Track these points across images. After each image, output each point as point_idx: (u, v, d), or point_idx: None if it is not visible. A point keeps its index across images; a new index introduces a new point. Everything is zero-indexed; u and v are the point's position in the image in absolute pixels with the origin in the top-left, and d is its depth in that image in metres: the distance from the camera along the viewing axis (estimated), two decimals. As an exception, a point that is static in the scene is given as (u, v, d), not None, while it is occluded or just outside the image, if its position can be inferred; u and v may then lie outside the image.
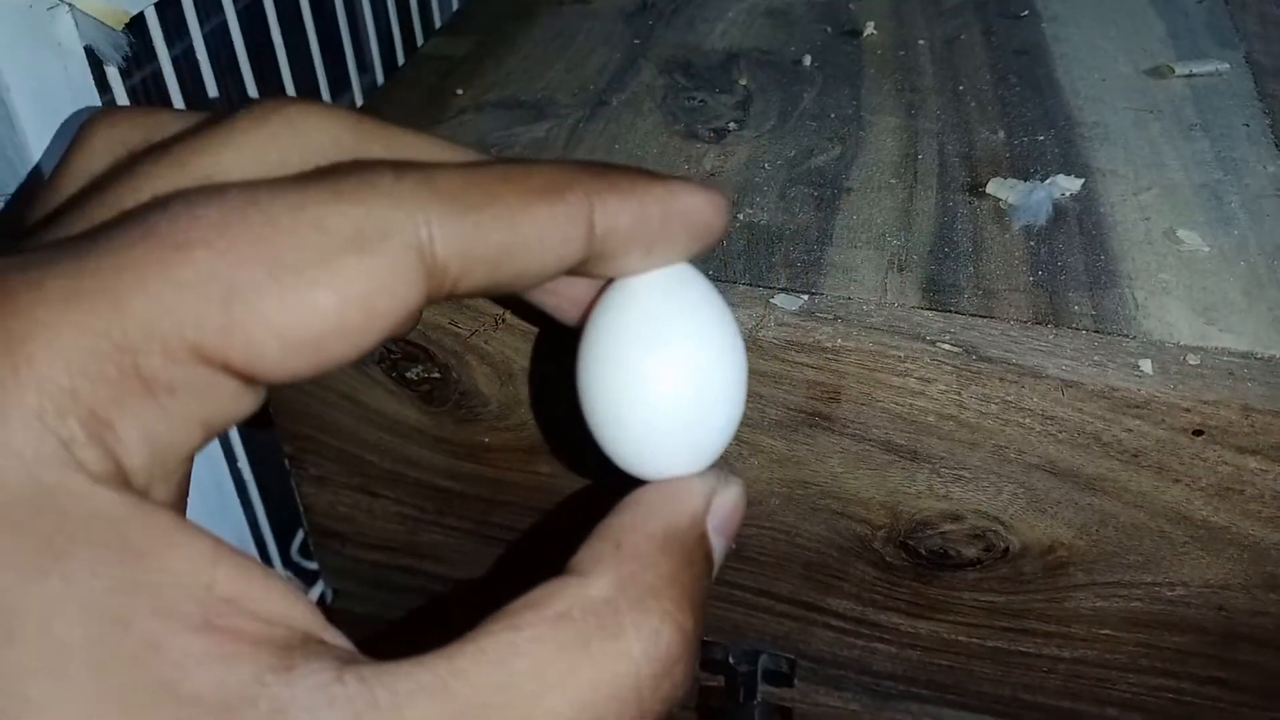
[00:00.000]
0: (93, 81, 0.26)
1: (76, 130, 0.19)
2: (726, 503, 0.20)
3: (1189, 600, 0.31)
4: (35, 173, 0.26)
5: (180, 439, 0.15)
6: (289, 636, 0.14)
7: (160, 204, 0.15)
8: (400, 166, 0.16)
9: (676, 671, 0.16)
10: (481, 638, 0.15)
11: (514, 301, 0.23)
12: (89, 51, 0.26)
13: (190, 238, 0.15)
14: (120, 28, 0.25)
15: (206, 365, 0.15)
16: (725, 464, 0.21)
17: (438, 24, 0.50)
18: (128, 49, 0.25)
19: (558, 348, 0.31)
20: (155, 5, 0.29)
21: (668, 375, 0.19)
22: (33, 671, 0.13)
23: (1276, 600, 0.30)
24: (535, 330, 0.31)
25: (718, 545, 0.19)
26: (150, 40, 0.31)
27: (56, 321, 0.14)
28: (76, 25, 0.25)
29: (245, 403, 0.16)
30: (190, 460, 0.16)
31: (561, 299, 0.21)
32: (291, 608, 0.15)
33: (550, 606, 0.16)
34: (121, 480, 0.14)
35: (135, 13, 0.26)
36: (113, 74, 0.29)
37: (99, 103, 0.27)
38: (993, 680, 0.36)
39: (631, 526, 0.18)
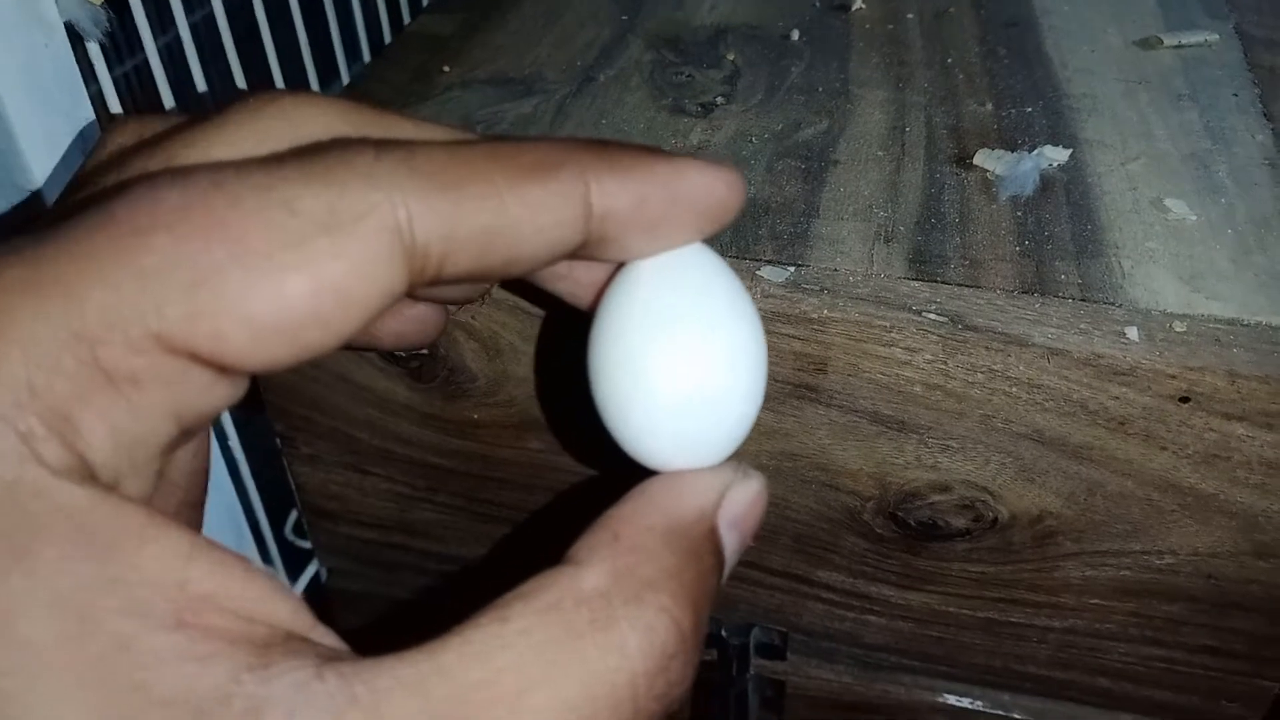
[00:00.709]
0: (73, 58, 0.26)
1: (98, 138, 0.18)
2: (743, 497, 0.19)
3: (1178, 568, 0.31)
4: (13, 147, 0.26)
5: (149, 431, 0.15)
6: (268, 634, 0.14)
7: (123, 190, 0.15)
8: (382, 145, 0.16)
9: (673, 668, 0.16)
10: (468, 630, 0.15)
11: (524, 286, 0.22)
12: (69, 28, 0.26)
13: (151, 223, 0.14)
14: (99, 2, 0.24)
15: (172, 355, 0.14)
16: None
17: (424, 3, 0.50)
18: (107, 25, 0.25)
19: (565, 330, 0.31)
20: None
21: (676, 363, 0.18)
22: (5, 669, 0.13)
23: (1265, 567, 0.30)
24: (522, 304, 0.31)
25: (730, 541, 0.18)
26: (136, 29, 0.31)
27: (11, 312, 0.13)
28: (57, 4, 0.25)
29: (221, 393, 0.15)
30: (165, 453, 0.15)
31: (572, 283, 0.20)
32: (273, 604, 0.14)
33: (540, 598, 0.15)
34: (86, 474, 0.14)
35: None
36: (95, 53, 0.29)
37: (80, 79, 0.27)
38: (984, 651, 0.36)
39: (632, 517, 0.17)
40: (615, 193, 0.17)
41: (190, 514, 0.20)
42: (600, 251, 0.18)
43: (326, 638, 0.15)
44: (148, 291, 0.14)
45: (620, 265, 0.19)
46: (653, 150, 0.18)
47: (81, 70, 0.26)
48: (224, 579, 0.14)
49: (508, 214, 0.16)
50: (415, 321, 0.22)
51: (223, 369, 0.15)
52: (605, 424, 0.19)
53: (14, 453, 0.13)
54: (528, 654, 0.15)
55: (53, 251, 0.14)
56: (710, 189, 0.18)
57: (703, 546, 0.17)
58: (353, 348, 0.23)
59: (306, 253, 0.14)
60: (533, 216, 0.16)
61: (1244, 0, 0.43)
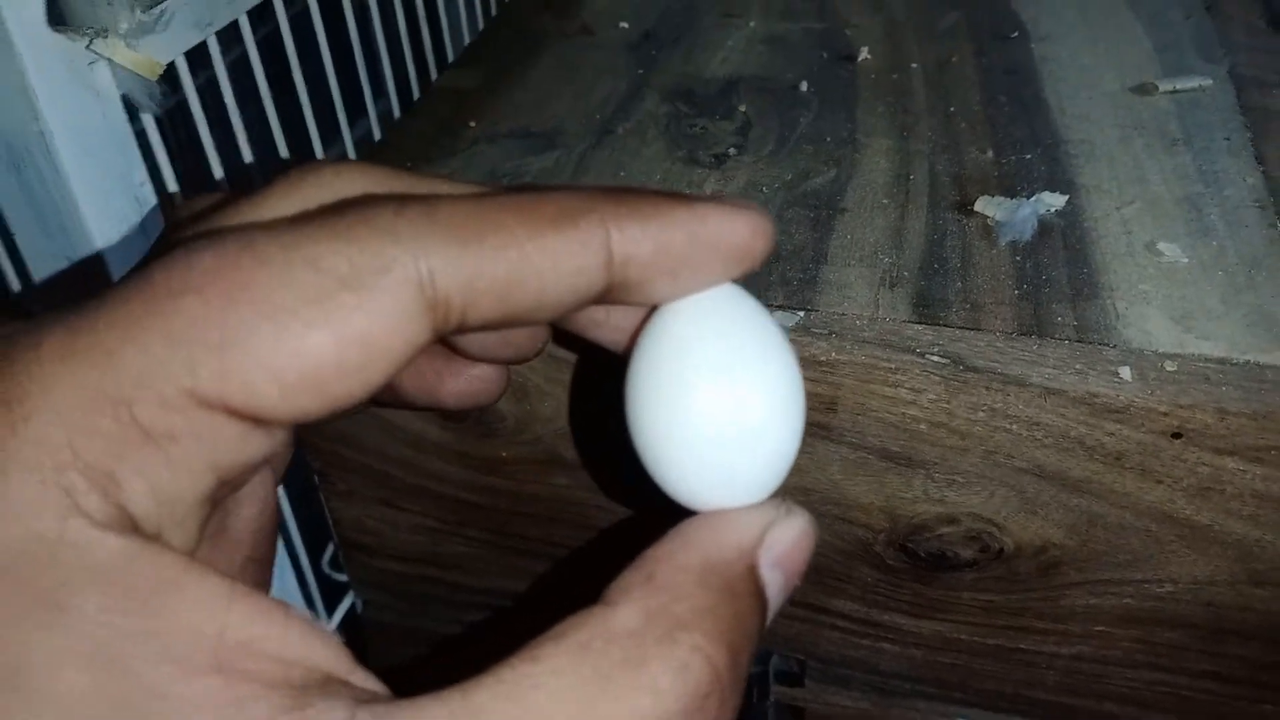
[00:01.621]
0: (130, 128, 0.28)
1: None
2: (786, 536, 0.18)
3: (1178, 596, 0.32)
4: (75, 214, 0.28)
5: (188, 484, 0.15)
6: (306, 676, 0.14)
7: (162, 257, 0.15)
8: (404, 201, 0.16)
9: (709, 708, 0.16)
10: (501, 670, 0.15)
11: (560, 332, 0.23)
12: (125, 100, 0.28)
13: (184, 286, 0.15)
14: (155, 78, 0.27)
15: (206, 410, 0.15)
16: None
17: (450, 56, 0.52)
18: (161, 97, 0.27)
19: (596, 374, 0.33)
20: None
21: (711, 401, 0.18)
22: (42, 717, 0.13)
23: (1261, 595, 0.32)
24: (558, 350, 0.33)
25: (773, 580, 0.18)
26: (175, 69, 0.33)
27: (51, 379, 0.14)
28: (114, 76, 0.27)
29: (256, 444, 0.16)
30: (208, 504, 0.16)
31: (609, 329, 0.21)
32: (311, 647, 0.15)
33: (572, 637, 0.15)
34: (128, 526, 0.14)
35: (167, 63, 0.28)
36: (147, 118, 0.31)
37: (135, 147, 0.29)
38: (995, 677, 0.37)
39: (667, 556, 0.17)
40: (636, 239, 0.17)
41: (256, 570, 0.21)
42: (626, 296, 0.18)
43: (366, 680, 0.15)
44: (180, 352, 0.14)
45: (653, 308, 0.19)
46: (673, 196, 0.18)
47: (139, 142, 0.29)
48: (263, 624, 0.14)
49: (529, 263, 0.16)
50: (477, 381, 0.23)
51: (256, 421, 0.15)
52: (644, 464, 0.19)
53: (58, 507, 0.14)
54: (560, 694, 0.15)
55: (91, 318, 0.15)
56: (733, 232, 0.18)
57: (741, 586, 0.17)
58: (416, 407, 0.24)
59: (329, 308, 0.15)
60: (554, 265, 0.16)
61: (1238, 42, 0.45)
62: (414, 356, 0.16)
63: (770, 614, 0.18)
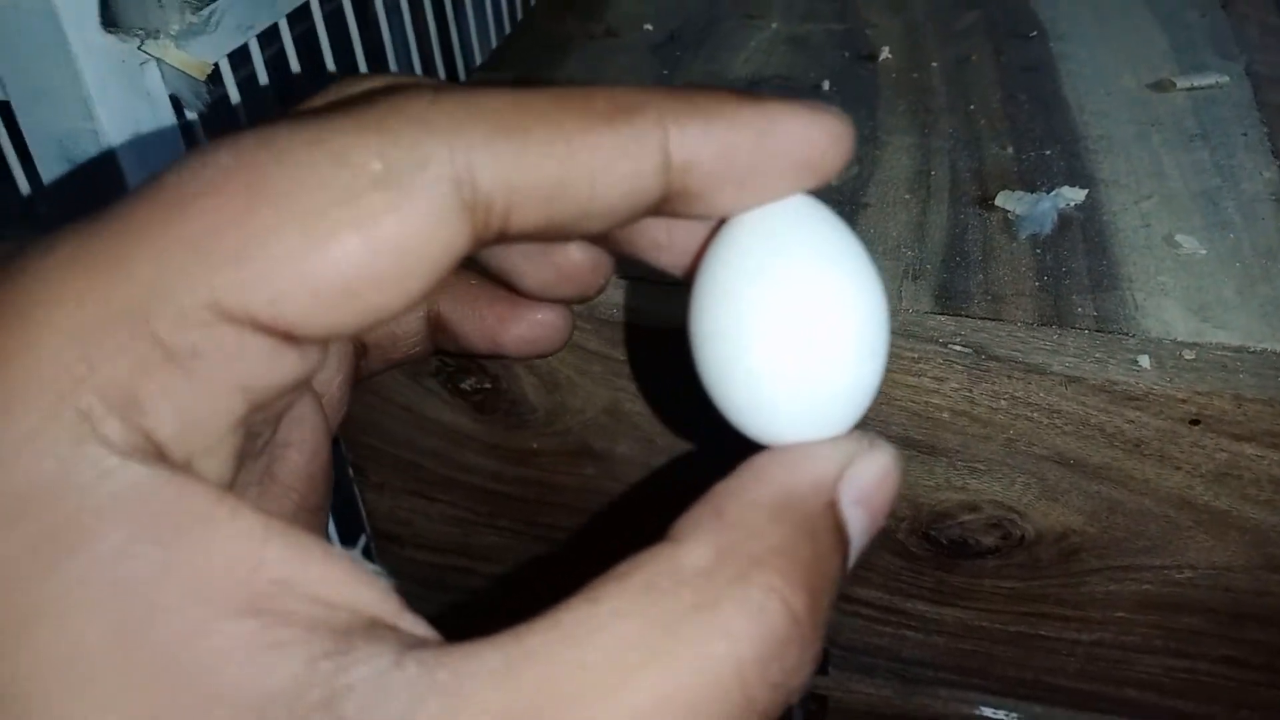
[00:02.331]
0: (177, 124, 0.29)
1: None
2: (870, 471, 0.17)
3: (1196, 582, 0.33)
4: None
5: (216, 407, 0.14)
6: (350, 620, 0.13)
7: (176, 159, 0.14)
8: (440, 88, 0.15)
9: (788, 655, 0.14)
10: (559, 612, 0.14)
11: (615, 256, 0.21)
12: (173, 99, 0.29)
13: (198, 187, 0.13)
14: (203, 77, 0.28)
15: (231, 324, 0.13)
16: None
17: (478, 58, 0.53)
18: (207, 96, 0.28)
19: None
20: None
21: (782, 324, 0.16)
22: (52, 674, 0.12)
23: (1279, 581, 0.32)
24: (577, 339, 0.33)
25: (856, 519, 0.16)
26: (219, 68, 0.34)
27: (62, 291, 0.13)
28: (163, 76, 0.28)
29: (289, 364, 0.15)
30: (240, 431, 0.15)
31: (669, 251, 0.19)
32: (356, 589, 0.14)
33: (636, 577, 0.14)
34: (153, 453, 0.13)
35: (214, 62, 0.29)
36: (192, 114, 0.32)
37: (181, 142, 0.31)
38: (1016, 664, 0.38)
39: (739, 491, 0.16)
40: (698, 141, 0.15)
41: (309, 519, 0.20)
42: (686, 207, 0.16)
43: (415, 625, 0.14)
44: (198, 259, 0.13)
45: (718, 226, 0.18)
46: (742, 94, 0.16)
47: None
48: (302, 562, 0.13)
49: (578, 163, 0.15)
50: (539, 326, 0.22)
51: (286, 336, 0.14)
52: (711, 397, 0.18)
53: (72, 432, 0.12)
54: (622, 638, 0.13)
55: (101, 227, 0.13)
56: (808, 138, 0.16)
57: (820, 523, 0.16)
58: (479, 355, 0.23)
59: (360, 209, 0.13)
60: (605, 165, 0.15)
61: (1254, 39, 0.45)
62: (454, 265, 0.15)
63: (853, 556, 0.16)
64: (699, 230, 0.18)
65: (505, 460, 0.38)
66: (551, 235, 0.16)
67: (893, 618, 0.38)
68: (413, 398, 0.37)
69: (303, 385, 0.16)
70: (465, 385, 0.36)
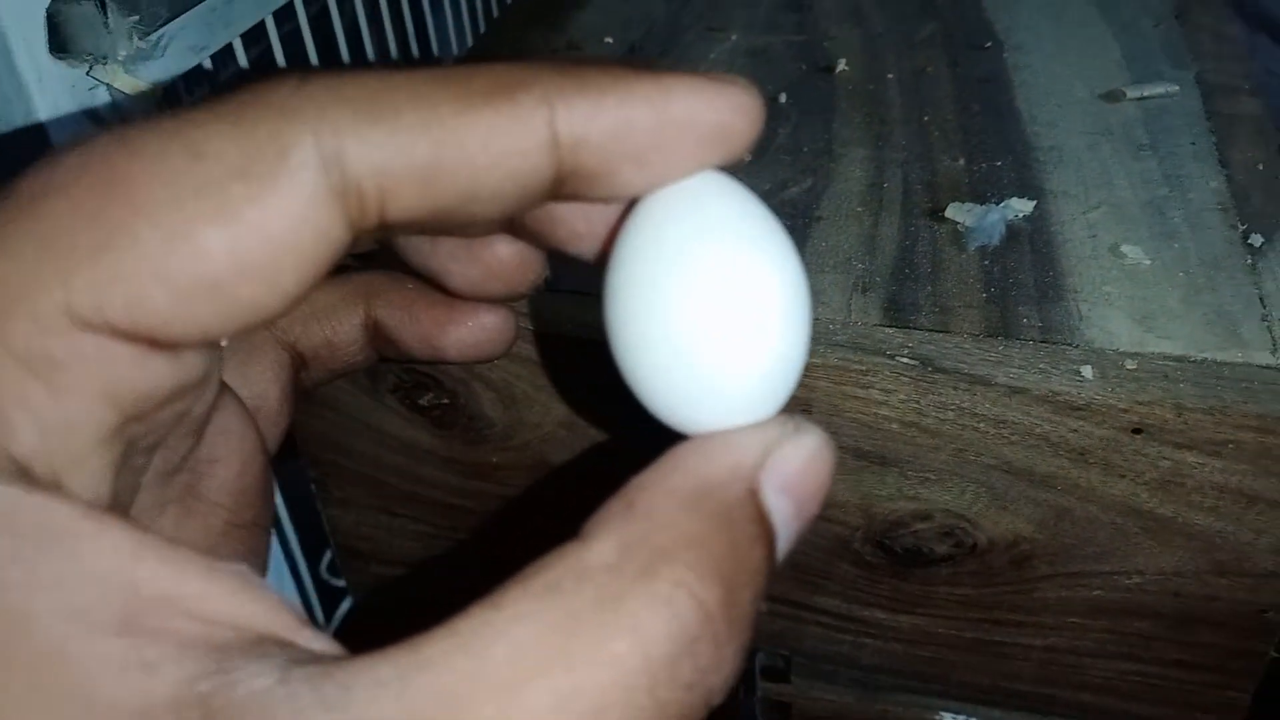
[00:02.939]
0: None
1: None
2: (795, 456, 0.16)
3: (1146, 587, 0.34)
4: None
5: (80, 419, 0.13)
6: (232, 638, 0.12)
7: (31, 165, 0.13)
8: (306, 74, 0.14)
9: (701, 653, 0.13)
10: (456, 621, 0.13)
11: (539, 248, 0.20)
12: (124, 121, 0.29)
13: (47, 187, 0.13)
14: (152, 101, 0.28)
15: (89, 330, 0.13)
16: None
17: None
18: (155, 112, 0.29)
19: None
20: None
21: (694, 304, 0.16)
22: None
23: (1226, 584, 0.33)
24: (535, 355, 0.34)
25: (781, 508, 0.15)
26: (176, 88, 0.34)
27: None
28: (112, 100, 0.28)
29: (158, 370, 0.14)
30: (115, 443, 0.14)
31: (589, 238, 0.18)
32: (242, 606, 0.13)
33: (538, 579, 0.13)
34: (14, 471, 0.13)
35: (149, 85, 0.29)
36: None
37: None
38: (974, 670, 0.38)
39: (652, 483, 0.15)
40: (587, 117, 0.15)
41: (243, 535, 0.20)
42: (586, 188, 0.16)
43: (314, 640, 0.13)
44: (49, 262, 0.12)
45: (630, 206, 0.17)
46: (636, 67, 0.15)
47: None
48: (180, 578, 0.13)
49: (454, 143, 0.14)
50: (479, 330, 0.22)
51: (150, 341, 0.13)
52: (628, 384, 0.17)
53: None
54: (523, 642, 0.13)
55: None
56: (710, 110, 0.15)
57: (737, 512, 0.15)
58: (421, 361, 0.22)
59: (220, 201, 0.13)
60: (484, 146, 0.14)
61: (1206, 48, 0.46)
62: (333, 257, 0.14)
63: (782, 547, 0.15)
64: (615, 216, 0.18)
65: (465, 475, 0.38)
66: (441, 222, 0.15)
67: (851, 625, 0.38)
68: (372, 414, 0.37)
69: (189, 393, 0.15)
70: (423, 401, 0.36)
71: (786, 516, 0.15)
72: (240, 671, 0.12)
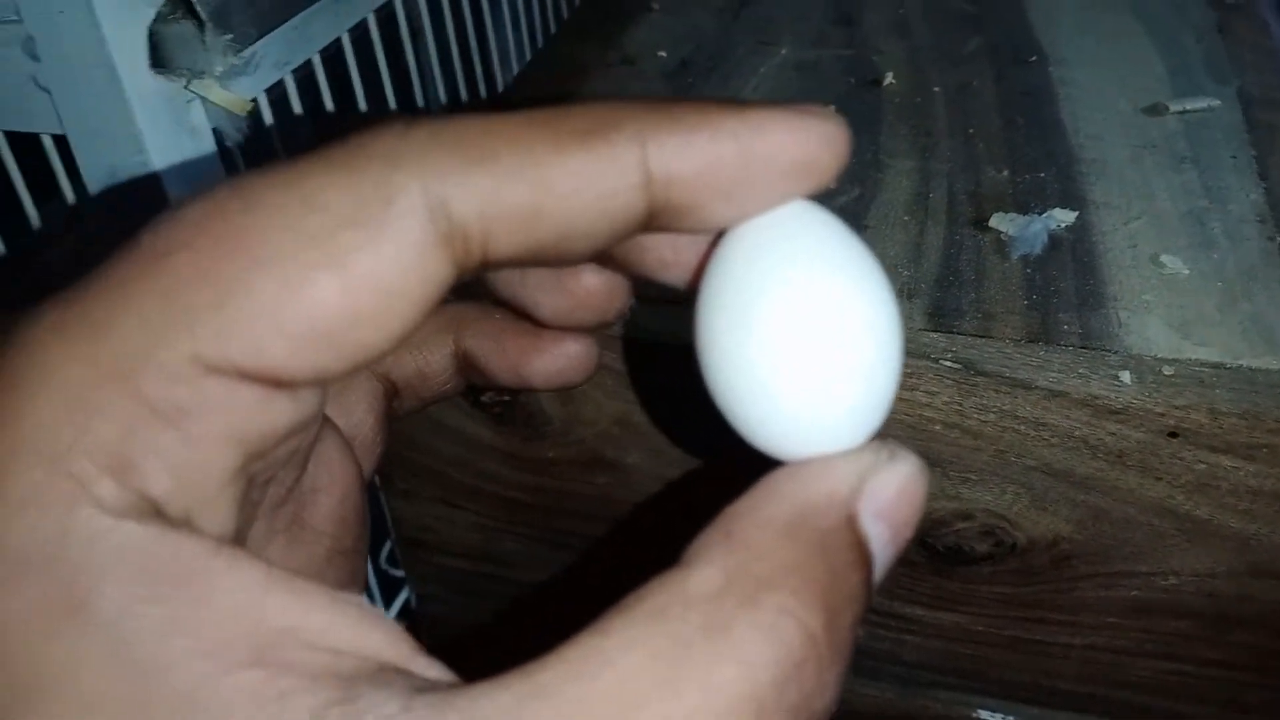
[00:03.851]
0: (218, 156, 0.32)
1: None
2: (891, 483, 0.16)
3: (1182, 588, 0.35)
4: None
5: (211, 460, 0.14)
6: (357, 667, 0.13)
7: (153, 220, 0.14)
8: (412, 121, 0.15)
9: (805, 677, 0.14)
10: (566, 649, 0.13)
11: (627, 276, 0.21)
12: (214, 131, 0.31)
13: (171, 243, 0.14)
14: (244, 114, 0.30)
15: (216, 376, 0.13)
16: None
17: (500, 84, 0.55)
18: (246, 129, 0.31)
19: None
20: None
21: (789, 334, 0.16)
22: None
23: (1260, 585, 0.34)
24: (603, 358, 0.35)
25: (877, 534, 0.16)
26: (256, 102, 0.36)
27: (50, 358, 0.13)
28: (207, 113, 0.30)
29: (281, 410, 0.15)
30: (240, 481, 0.15)
31: (676, 267, 0.19)
32: (363, 635, 0.13)
33: (643, 607, 0.14)
34: (148, 512, 0.13)
35: (253, 99, 0.31)
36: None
37: (222, 172, 0.33)
38: (1012, 667, 0.39)
39: (750, 510, 0.15)
40: (679, 156, 0.15)
41: (343, 562, 0.21)
42: (677, 222, 0.16)
43: (428, 668, 0.14)
44: (177, 315, 0.13)
45: (718, 237, 0.17)
46: (724, 104, 0.16)
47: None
48: (306, 610, 0.13)
49: (552, 185, 0.15)
50: (563, 359, 0.23)
51: (273, 383, 0.14)
52: (721, 412, 0.17)
53: (65, 497, 0.13)
54: (631, 669, 0.13)
55: (82, 291, 0.14)
56: (797, 144, 0.16)
57: (836, 539, 0.15)
58: (506, 387, 0.24)
59: (332, 249, 0.13)
60: (580, 187, 0.15)
61: (1247, 62, 0.47)
62: (438, 297, 0.15)
63: (878, 572, 0.16)
64: (703, 244, 0.18)
65: (523, 469, 0.40)
66: (539, 259, 0.16)
67: (893, 622, 0.39)
68: (437, 410, 0.39)
69: (305, 429, 0.16)
70: (485, 398, 0.38)
71: (883, 542, 0.16)
72: (366, 700, 0.13)
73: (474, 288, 0.22)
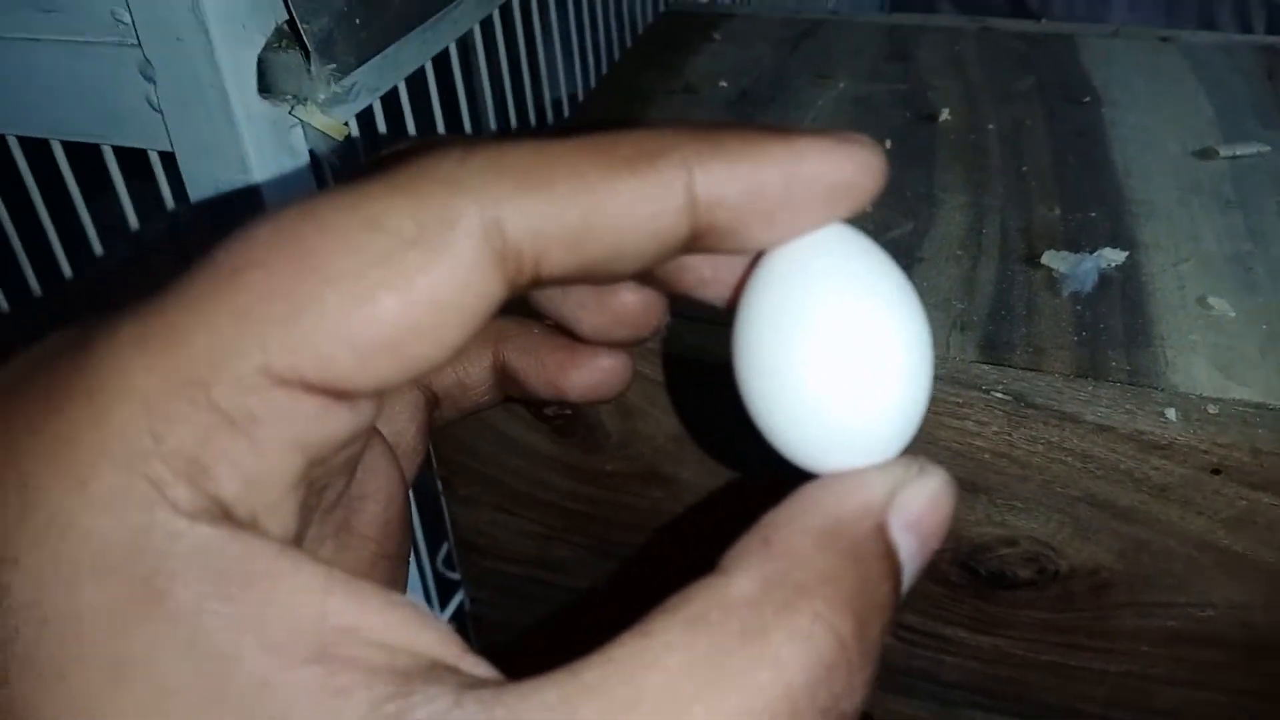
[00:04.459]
0: (313, 176, 0.34)
1: None
2: (919, 495, 0.17)
3: (1217, 619, 0.36)
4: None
5: (275, 467, 0.15)
6: (411, 663, 0.14)
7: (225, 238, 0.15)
8: (470, 147, 0.15)
9: (836, 680, 0.14)
10: (612, 649, 0.14)
11: (665, 293, 0.22)
12: (311, 153, 0.33)
13: (246, 260, 0.14)
14: (342, 138, 0.32)
15: (283, 387, 0.14)
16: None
17: (566, 112, 0.57)
18: (342, 152, 0.33)
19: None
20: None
21: (824, 352, 0.17)
22: (142, 715, 0.13)
23: (1295, 620, 0.35)
24: (647, 371, 0.37)
25: (906, 544, 0.17)
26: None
27: (128, 366, 0.14)
28: (305, 135, 0.32)
29: (341, 419, 0.15)
30: (302, 487, 0.15)
31: (714, 284, 0.20)
32: (416, 633, 0.14)
33: (685, 610, 0.15)
34: (219, 515, 0.14)
35: (339, 123, 0.33)
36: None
37: (316, 188, 0.35)
38: (1048, 690, 0.40)
39: (786, 520, 0.16)
40: (723, 180, 0.16)
41: (388, 565, 0.22)
42: (719, 243, 0.17)
43: (476, 666, 0.14)
44: (249, 329, 0.14)
45: (757, 257, 0.18)
46: (766, 130, 0.16)
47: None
48: (363, 610, 0.14)
49: (601, 209, 0.15)
50: (599, 372, 0.23)
51: (336, 394, 0.15)
52: (758, 426, 0.18)
53: (144, 498, 0.14)
54: (675, 670, 0.14)
55: (160, 304, 0.15)
56: (836, 169, 0.17)
57: (867, 549, 0.16)
58: (537, 400, 0.24)
59: (395, 269, 0.14)
60: (629, 210, 0.16)
61: (1298, 109, 0.48)
62: (491, 313, 0.16)
63: (906, 582, 0.17)
64: (742, 264, 0.19)
65: (580, 480, 0.42)
66: (586, 277, 0.16)
67: (932, 642, 0.41)
68: (500, 420, 0.41)
69: (361, 437, 0.17)
70: (548, 411, 0.40)
71: (911, 552, 0.17)
72: (420, 695, 0.13)
73: (514, 302, 0.24)
